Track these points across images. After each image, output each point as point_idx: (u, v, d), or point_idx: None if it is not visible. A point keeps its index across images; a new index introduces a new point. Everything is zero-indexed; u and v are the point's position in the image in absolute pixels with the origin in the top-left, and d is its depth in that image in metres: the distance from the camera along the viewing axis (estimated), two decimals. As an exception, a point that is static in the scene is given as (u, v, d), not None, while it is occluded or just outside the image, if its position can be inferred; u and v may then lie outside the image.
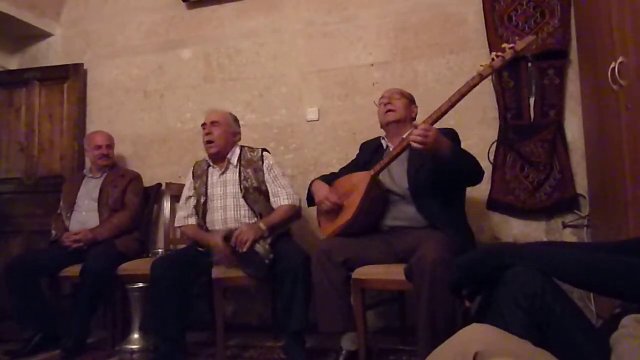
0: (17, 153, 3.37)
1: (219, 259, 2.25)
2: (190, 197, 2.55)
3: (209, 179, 2.51)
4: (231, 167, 2.49)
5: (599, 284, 1.09)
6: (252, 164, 2.48)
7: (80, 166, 3.25)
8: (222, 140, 2.47)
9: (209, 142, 2.46)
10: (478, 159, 1.98)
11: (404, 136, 2.06)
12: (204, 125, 2.50)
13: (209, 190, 2.48)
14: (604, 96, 2.03)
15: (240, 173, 2.46)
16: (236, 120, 2.60)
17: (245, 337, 2.68)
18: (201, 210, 2.46)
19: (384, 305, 2.50)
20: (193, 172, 2.59)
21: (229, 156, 2.50)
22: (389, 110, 2.24)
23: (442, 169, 1.92)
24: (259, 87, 3.12)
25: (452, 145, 1.86)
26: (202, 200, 2.46)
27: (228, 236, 2.25)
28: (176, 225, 2.63)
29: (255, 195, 2.42)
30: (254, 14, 3.17)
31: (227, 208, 2.42)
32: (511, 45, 1.87)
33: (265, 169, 2.47)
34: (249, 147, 2.58)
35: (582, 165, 2.50)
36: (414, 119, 2.31)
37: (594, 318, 2.23)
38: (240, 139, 2.60)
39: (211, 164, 2.53)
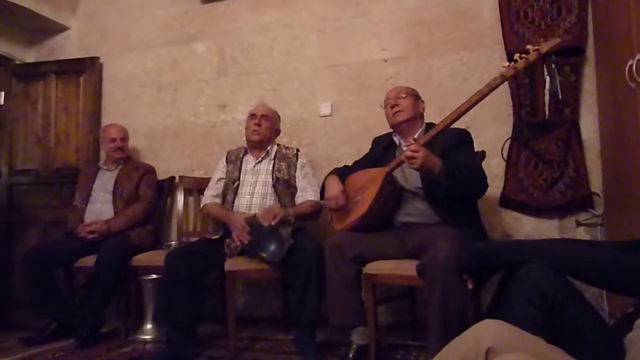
0: (34, 145, 3.41)
1: (237, 234, 2.28)
2: (221, 178, 2.64)
3: (243, 165, 2.60)
4: (267, 158, 2.60)
5: (613, 281, 1.08)
6: (287, 159, 2.60)
7: (95, 158, 3.29)
8: (267, 132, 2.60)
9: (255, 130, 2.56)
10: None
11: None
12: (252, 115, 2.61)
13: (241, 176, 2.56)
14: (621, 94, 2.00)
15: (274, 165, 2.56)
16: (280, 119, 2.74)
17: (256, 329, 2.71)
18: (231, 193, 2.53)
19: (395, 300, 2.50)
20: (226, 158, 2.69)
21: (268, 148, 2.61)
22: (397, 112, 2.24)
23: (434, 188, 1.97)
24: (271, 81, 3.13)
25: (441, 167, 1.88)
26: (235, 184, 2.54)
27: (251, 221, 2.29)
28: (202, 203, 2.66)
29: (284, 187, 2.51)
30: (268, 8, 3.17)
31: (254, 195, 2.50)
32: (535, 47, 1.83)
33: (298, 165, 2.60)
34: (285, 146, 2.70)
35: (596, 163, 2.48)
36: (422, 114, 2.31)
37: (606, 316, 2.22)
38: (278, 136, 2.72)
39: (249, 151, 2.63)
